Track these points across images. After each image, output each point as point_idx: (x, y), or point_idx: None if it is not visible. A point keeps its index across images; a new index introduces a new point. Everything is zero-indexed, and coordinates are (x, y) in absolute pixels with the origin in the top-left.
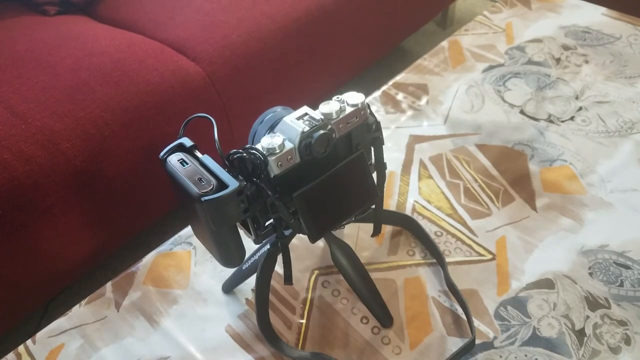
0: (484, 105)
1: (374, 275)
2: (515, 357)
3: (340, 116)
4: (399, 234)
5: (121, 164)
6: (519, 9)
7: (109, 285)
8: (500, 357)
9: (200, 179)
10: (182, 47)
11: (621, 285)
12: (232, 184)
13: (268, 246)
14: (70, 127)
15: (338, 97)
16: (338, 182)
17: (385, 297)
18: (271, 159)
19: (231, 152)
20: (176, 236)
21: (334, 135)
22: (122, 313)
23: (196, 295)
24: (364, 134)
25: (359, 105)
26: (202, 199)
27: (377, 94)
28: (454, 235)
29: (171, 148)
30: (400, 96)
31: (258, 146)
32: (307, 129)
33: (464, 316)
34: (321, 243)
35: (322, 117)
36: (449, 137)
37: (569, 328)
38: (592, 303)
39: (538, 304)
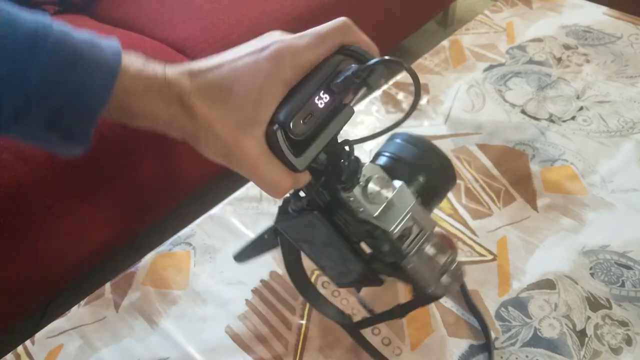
0: (484, 105)
1: None
2: (517, 358)
3: None
4: None
5: (121, 164)
6: (520, 8)
7: (108, 285)
8: (501, 357)
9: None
10: (182, 47)
11: (622, 285)
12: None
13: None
14: None
15: None
16: None
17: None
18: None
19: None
20: (175, 236)
21: None
22: (121, 314)
23: (195, 295)
24: None
25: None
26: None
27: (377, 93)
28: (454, 236)
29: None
30: (400, 96)
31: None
32: None
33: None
34: None
35: None
36: (449, 136)
37: (570, 329)
38: (593, 303)
39: (539, 304)
